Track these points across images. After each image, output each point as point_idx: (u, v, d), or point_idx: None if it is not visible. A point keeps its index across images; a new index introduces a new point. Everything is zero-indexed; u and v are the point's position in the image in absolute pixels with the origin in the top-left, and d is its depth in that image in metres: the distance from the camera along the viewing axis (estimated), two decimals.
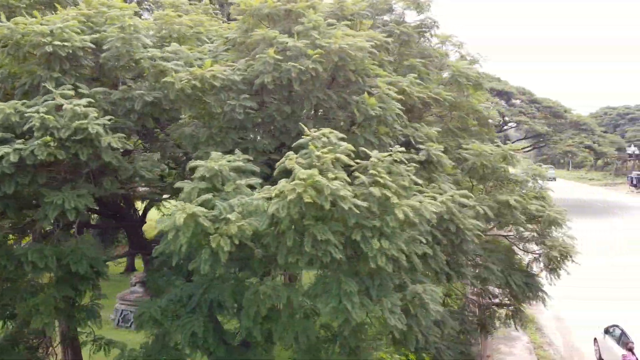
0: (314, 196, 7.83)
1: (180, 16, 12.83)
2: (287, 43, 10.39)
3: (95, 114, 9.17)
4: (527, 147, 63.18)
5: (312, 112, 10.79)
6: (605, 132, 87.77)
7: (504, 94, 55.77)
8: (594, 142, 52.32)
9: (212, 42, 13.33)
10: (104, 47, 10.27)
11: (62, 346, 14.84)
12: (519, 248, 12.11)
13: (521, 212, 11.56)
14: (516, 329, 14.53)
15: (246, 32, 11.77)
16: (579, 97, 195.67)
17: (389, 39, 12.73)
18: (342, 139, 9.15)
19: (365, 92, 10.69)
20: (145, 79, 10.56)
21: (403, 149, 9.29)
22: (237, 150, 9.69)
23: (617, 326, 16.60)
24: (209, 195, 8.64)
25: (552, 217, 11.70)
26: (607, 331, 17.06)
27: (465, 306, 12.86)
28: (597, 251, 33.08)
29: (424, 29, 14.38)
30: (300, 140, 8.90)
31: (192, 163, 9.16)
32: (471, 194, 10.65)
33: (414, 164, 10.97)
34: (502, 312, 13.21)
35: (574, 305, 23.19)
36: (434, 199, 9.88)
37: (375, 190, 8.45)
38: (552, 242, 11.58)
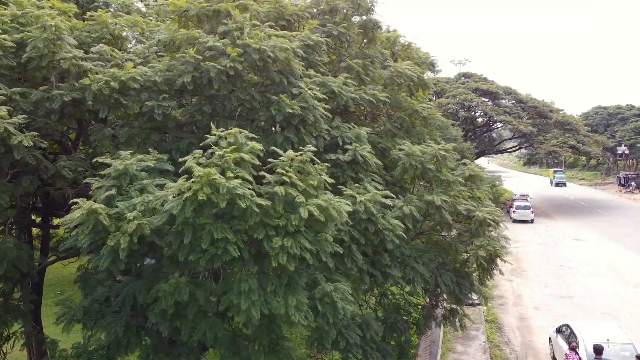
0: (210, 194, 7.84)
1: (115, 17, 12.87)
2: (207, 43, 10.42)
3: (3, 113, 9.16)
4: (514, 146, 63.23)
5: (237, 111, 10.77)
6: (595, 131, 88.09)
7: (490, 94, 55.79)
8: (578, 142, 52.26)
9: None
10: (26, 49, 10.26)
11: (27, 347, 14.90)
12: (453, 248, 12.09)
13: (450, 213, 11.56)
14: (456, 329, 14.51)
15: (175, 32, 11.82)
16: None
17: (324, 40, 12.75)
18: (252, 139, 9.18)
19: (286, 93, 10.73)
20: (65, 81, 10.55)
21: (314, 148, 9.29)
22: (151, 150, 9.72)
23: (567, 325, 16.59)
24: (112, 192, 8.67)
25: (482, 218, 11.69)
26: (559, 330, 17.06)
27: (402, 307, 12.82)
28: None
29: (368, 30, 14.36)
30: (207, 140, 8.91)
31: (99, 159, 9.18)
32: (393, 195, 10.64)
33: (342, 163, 11.15)
34: (439, 312, 13.20)
35: (543, 305, 23.25)
36: (354, 198, 9.91)
37: (280, 190, 8.46)
38: (481, 242, 11.56)
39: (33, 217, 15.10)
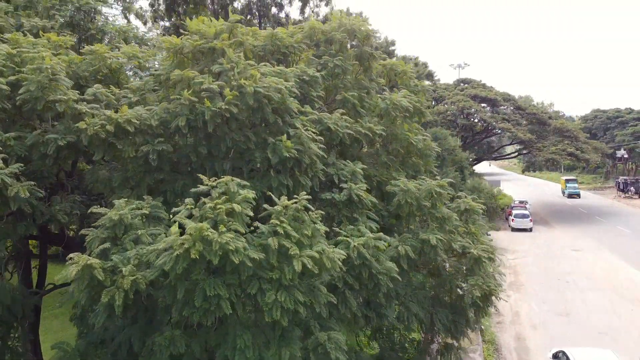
0: (203, 251, 7.84)
1: (113, 47, 12.86)
2: (202, 84, 10.41)
3: (1, 164, 9.17)
4: (513, 152, 63.22)
5: (231, 152, 10.76)
6: (594, 134, 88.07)
7: (489, 101, 55.79)
8: (577, 149, 52.25)
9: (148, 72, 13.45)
10: (20, 91, 10.26)
11: None
12: (448, 286, 12.09)
13: (445, 251, 11.56)
14: None
15: (171, 69, 11.82)
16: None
17: (319, 74, 12.74)
18: (245, 186, 9.18)
19: (285, 134, 10.72)
20: (61, 122, 10.54)
21: (309, 197, 9.29)
22: (146, 197, 9.72)
23: (563, 352, 16.61)
24: (107, 245, 8.67)
25: (477, 256, 11.69)
26: (555, 356, 17.07)
27: (397, 342, 12.82)
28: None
29: (364, 60, 14.34)
30: (199, 189, 8.92)
31: (93, 209, 9.18)
32: (387, 238, 10.64)
33: (337, 203, 11.14)
34: (434, 347, 13.19)
35: (541, 324, 23.26)
36: (348, 243, 9.91)
37: (273, 242, 8.47)
38: (476, 281, 11.56)
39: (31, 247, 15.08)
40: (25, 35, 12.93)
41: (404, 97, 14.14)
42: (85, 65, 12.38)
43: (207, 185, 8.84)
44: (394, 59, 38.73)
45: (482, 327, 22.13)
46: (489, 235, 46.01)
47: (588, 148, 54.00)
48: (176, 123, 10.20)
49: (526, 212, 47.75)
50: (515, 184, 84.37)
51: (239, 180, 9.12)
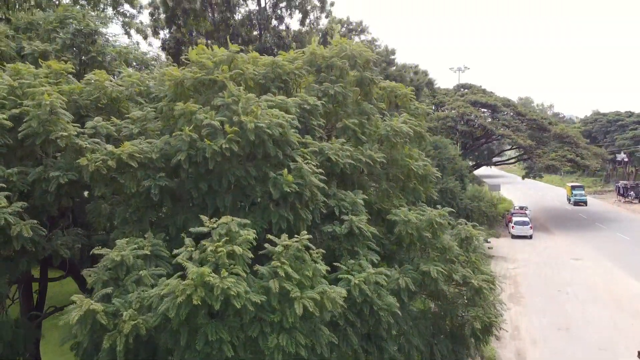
0: (205, 296, 7.88)
1: (113, 69, 12.91)
2: (203, 120, 10.44)
3: (3, 203, 9.21)
4: (513, 157, 63.21)
5: (232, 186, 10.78)
6: (594, 138, 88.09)
7: (489, 107, 55.82)
8: (577, 155, 52.27)
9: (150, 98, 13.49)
10: (21, 127, 10.29)
11: None
12: (449, 316, 12.12)
13: (446, 281, 11.59)
14: None
15: (173, 100, 11.85)
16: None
17: (320, 103, 12.76)
18: (245, 225, 9.22)
19: (286, 167, 10.76)
20: (63, 155, 10.56)
21: (309, 236, 9.33)
22: (147, 234, 9.75)
23: None
24: (108, 290, 8.71)
25: (478, 287, 11.72)
26: None
27: None
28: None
29: (364, 85, 14.36)
30: (198, 229, 8.95)
31: (97, 250, 9.22)
32: (388, 272, 10.66)
33: (338, 235, 11.16)
34: None
35: (541, 339, 23.29)
36: (349, 280, 9.94)
37: (274, 285, 8.51)
38: (476, 313, 11.59)
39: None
40: (25, 62, 12.99)
41: (405, 121, 14.21)
42: (85, 94, 12.42)
43: (207, 227, 8.86)
44: (394, 68, 38.95)
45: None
46: (489, 242, 46.16)
47: (588, 154, 54.01)
48: (177, 158, 10.23)
49: (526, 219, 47.76)
50: (516, 187, 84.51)
51: (239, 220, 9.15)
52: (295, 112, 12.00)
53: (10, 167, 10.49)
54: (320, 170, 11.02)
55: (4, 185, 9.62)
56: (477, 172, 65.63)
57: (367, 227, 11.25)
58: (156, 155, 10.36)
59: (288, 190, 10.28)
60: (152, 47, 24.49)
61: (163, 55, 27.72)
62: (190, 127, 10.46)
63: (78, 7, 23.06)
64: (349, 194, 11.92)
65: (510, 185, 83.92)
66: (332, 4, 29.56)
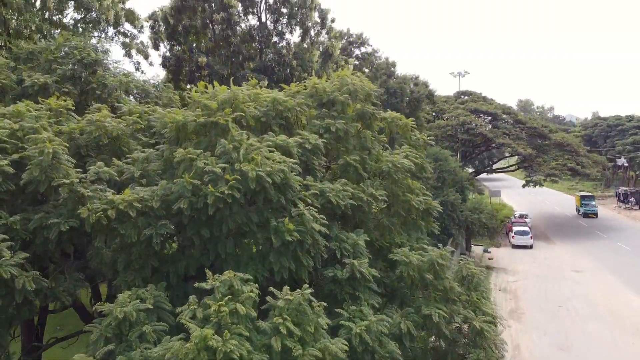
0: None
1: (112, 116, 12.92)
2: (205, 167, 10.44)
3: (7, 255, 9.22)
4: (513, 165, 63.18)
5: (233, 232, 10.79)
6: (595, 142, 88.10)
7: (489, 115, 55.81)
8: (577, 164, 52.27)
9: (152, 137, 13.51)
10: (23, 176, 10.29)
11: None
12: (449, 358, 12.13)
13: (447, 323, 11.59)
14: None
15: (175, 141, 11.87)
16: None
17: (322, 141, 12.76)
18: (247, 280, 9.23)
19: (287, 213, 10.77)
20: (64, 201, 10.57)
21: (312, 290, 9.34)
22: (150, 286, 9.76)
23: None
24: (111, 347, 8.71)
25: (479, 328, 11.72)
26: None
27: None
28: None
29: (365, 119, 14.35)
30: (201, 284, 8.96)
31: (98, 306, 9.23)
32: (390, 318, 10.66)
33: (340, 279, 11.16)
34: None
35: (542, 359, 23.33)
36: (350, 329, 9.95)
37: (276, 343, 8.52)
38: (477, 356, 11.59)
39: None
40: (24, 100, 12.97)
41: (406, 154, 14.25)
42: (86, 134, 12.43)
43: (210, 283, 8.87)
44: (393, 80, 38.86)
45: None
46: (490, 252, 46.24)
47: (588, 162, 54.02)
48: (178, 205, 10.22)
49: (526, 228, 47.79)
50: (516, 192, 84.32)
51: (241, 275, 9.16)
52: (296, 152, 12.01)
53: (13, 212, 10.50)
54: (322, 216, 11.01)
55: (6, 236, 9.61)
56: (477, 177, 65.62)
57: (368, 271, 11.24)
58: (157, 204, 10.35)
59: (290, 239, 10.28)
60: (152, 65, 24.70)
61: (163, 74, 27.75)
62: (191, 174, 10.46)
63: (80, 28, 23.09)
64: (351, 235, 11.93)
65: (511, 190, 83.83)
66: (332, 20, 29.60)
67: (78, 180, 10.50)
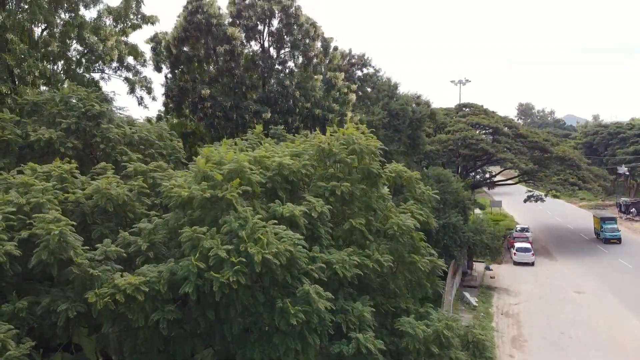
0: None
1: (118, 184, 12.94)
2: (210, 249, 10.46)
3: (12, 348, 9.23)
4: (514, 177, 63.20)
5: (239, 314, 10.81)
6: (595, 150, 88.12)
7: (491, 129, 55.80)
8: (579, 179, 52.31)
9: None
10: (32, 260, 10.31)
11: None
12: None
13: None
14: None
15: (181, 216, 11.88)
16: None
17: (327, 208, 12.78)
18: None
19: (289, 291, 10.82)
20: (72, 284, 10.59)
21: None
22: None
23: None
24: None
25: None
26: None
27: None
28: None
29: (371, 178, 14.34)
30: None
31: None
32: None
33: (346, 354, 11.19)
34: None
35: None
36: None
37: None
38: None
39: None
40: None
41: (411, 212, 14.33)
42: (91, 202, 12.45)
43: None
44: (395, 101, 38.80)
45: None
46: (491, 270, 46.24)
47: (589, 176, 54.06)
48: (184, 290, 10.24)
49: (528, 245, 47.84)
50: (518, 200, 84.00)
51: None
52: (302, 222, 12.04)
53: (20, 295, 10.52)
54: (328, 293, 11.03)
55: (11, 326, 9.61)
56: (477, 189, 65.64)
57: (373, 345, 11.27)
58: (164, 288, 10.36)
59: (295, 322, 10.30)
60: (155, 100, 24.53)
61: (162, 97, 27.66)
62: (197, 255, 10.47)
63: (82, 61, 23.09)
64: (356, 305, 11.95)
65: (512, 197, 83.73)
66: (335, 49, 29.56)
67: (86, 260, 10.52)
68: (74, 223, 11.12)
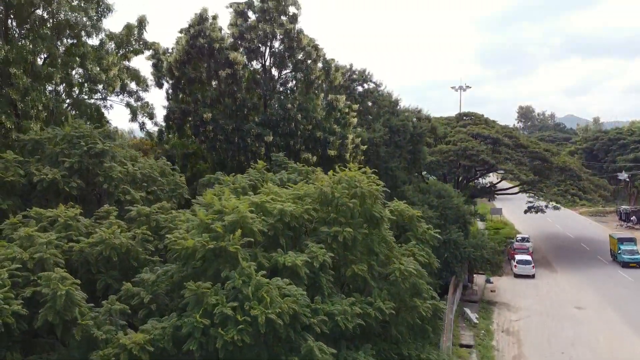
0: None
1: (122, 230, 13.04)
2: (215, 306, 10.55)
3: None
4: (515, 186, 63.26)
5: None
6: (596, 156, 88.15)
7: (491, 139, 55.79)
8: (579, 190, 52.37)
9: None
10: (38, 321, 10.40)
11: None
12: None
13: None
14: None
15: (184, 268, 11.98)
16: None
17: (329, 257, 12.87)
18: None
19: (293, 348, 10.91)
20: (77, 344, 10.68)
21: None
22: None
23: None
24: None
25: None
26: None
27: None
28: None
29: (372, 222, 14.42)
30: None
31: None
32: None
33: None
34: None
35: None
36: None
37: None
38: None
39: None
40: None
41: (413, 253, 14.41)
42: (96, 252, 12.53)
43: None
44: (396, 117, 38.86)
45: None
46: (492, 282, 46.29)
47: (590, 187, 54.10)
48: (188, 346, 10.34)
49: (528, 257, 47.86)
50: (519, 206, 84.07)
51: None
52: (304, 273, 12.14)
53: (26, 352, 10.61)
54: (331, 349, 11.12)
55: None
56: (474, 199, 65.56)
57: None
58: (169, 344, 10.45)
59: None
60: (158, 126, 24.54)
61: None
62: (201, 311, 10.56)
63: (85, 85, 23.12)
64: (359, 357, 12.04)
65: (512, 203, 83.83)
66: (336, 69, 29.62)
67: (91, 320, 10.61)
68: (79, 282, 11.20)
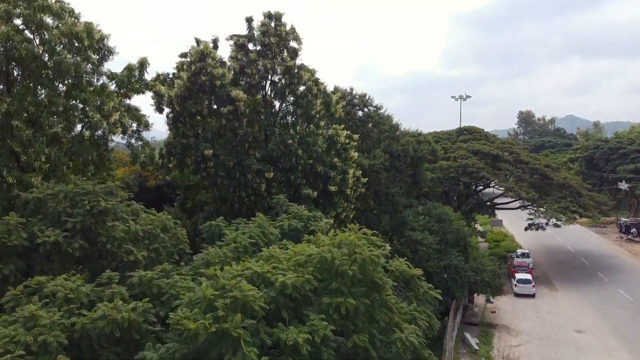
0: None
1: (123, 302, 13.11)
2: None
3: None
4: (515, 200, 63.35)
5: None
6: (596, 165, 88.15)
7: (491, 156, 55.89)
8: (580, 207, 52.45)
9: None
10: None
11: None
12: None
13: None
14: None
15: (186, 346, 12.05)
16: None
17: (330, 330, 12.95)
18: None
19: None
20: None
21: None
22: None
23: None
24: None
25: None
26: None
27: None
28: None
29: (374, 288, 14.50)
30: None
31: None
32: None
33: None
34: None
35: None
36: None
37: None
38: None
39: None
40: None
41: (415, 317, 14.52)
42: (98, 328, 12.59)
43: None
44: (396, 143, 38.92)
45: None
46: (492, 302, 46.38)
47: (590, 203, 54.19)
48: None
49: (529, 276, 47.90)
50: (520, 218, 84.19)
51: None
52: (305, 350, 12.22)
53: None
54: None
55: None
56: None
57: None
58: None
59: None
60: (160, 165, 24.50)
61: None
62: None
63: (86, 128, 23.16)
64: None
65: (513, 214, 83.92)
66: (337, 102, 29.68)
67: None
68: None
